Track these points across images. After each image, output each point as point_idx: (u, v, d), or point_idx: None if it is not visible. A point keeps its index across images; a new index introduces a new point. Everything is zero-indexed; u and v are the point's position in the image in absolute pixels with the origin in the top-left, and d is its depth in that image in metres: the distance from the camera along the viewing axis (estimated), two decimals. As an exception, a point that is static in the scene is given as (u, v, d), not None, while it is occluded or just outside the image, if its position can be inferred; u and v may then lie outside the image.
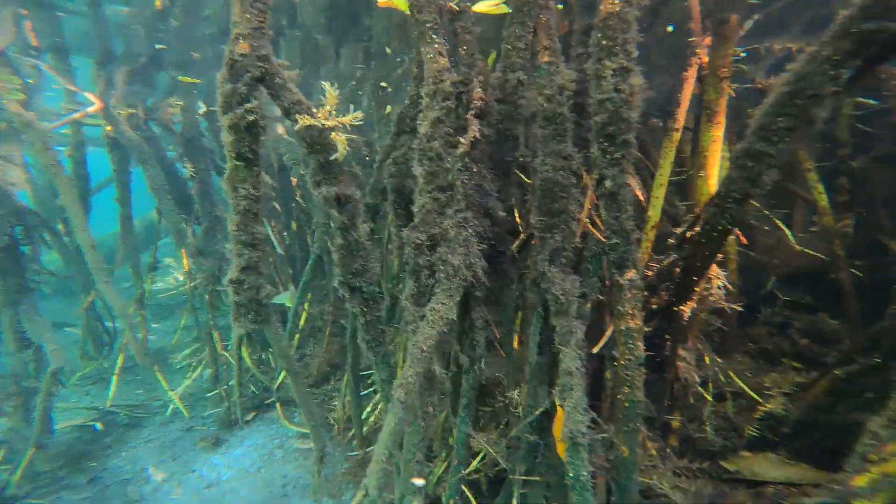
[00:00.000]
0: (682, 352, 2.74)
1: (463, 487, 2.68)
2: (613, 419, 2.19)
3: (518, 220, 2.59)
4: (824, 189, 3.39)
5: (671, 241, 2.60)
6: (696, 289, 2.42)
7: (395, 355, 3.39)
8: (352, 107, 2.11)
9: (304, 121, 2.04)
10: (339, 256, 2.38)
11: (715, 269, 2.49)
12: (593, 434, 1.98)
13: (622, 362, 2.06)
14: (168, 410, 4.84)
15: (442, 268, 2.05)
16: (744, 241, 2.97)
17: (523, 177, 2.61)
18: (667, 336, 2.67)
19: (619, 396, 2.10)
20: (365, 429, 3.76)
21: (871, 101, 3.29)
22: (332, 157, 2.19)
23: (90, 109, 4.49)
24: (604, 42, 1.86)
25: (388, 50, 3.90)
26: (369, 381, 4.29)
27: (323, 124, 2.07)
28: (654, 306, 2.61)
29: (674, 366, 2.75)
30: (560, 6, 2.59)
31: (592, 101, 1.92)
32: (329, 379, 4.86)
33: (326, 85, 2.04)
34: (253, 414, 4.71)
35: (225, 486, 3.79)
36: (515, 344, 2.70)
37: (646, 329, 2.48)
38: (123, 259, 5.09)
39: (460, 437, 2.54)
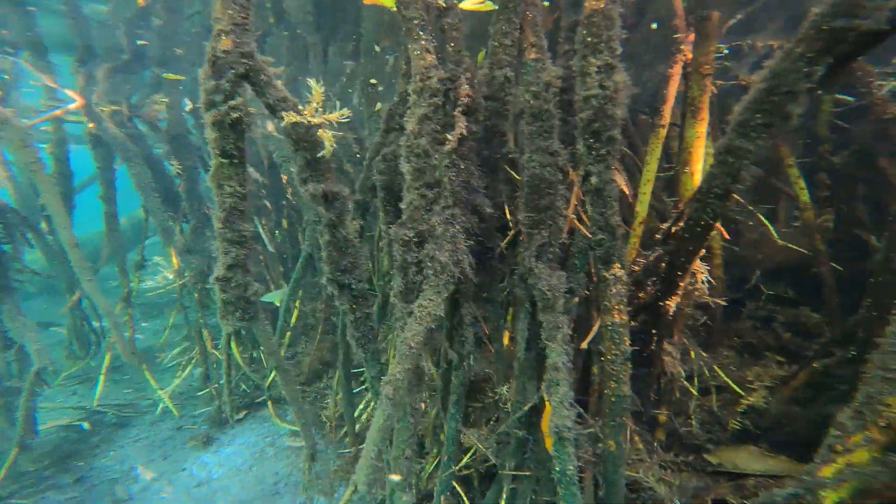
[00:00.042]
0: (667, 346, 2.78)
1: (454, 483, 2.70)
2: (601, 414, 2.22)
3: (508, 216, 2.61)
4: (806, 185, 3.45)
5: (658, 236, 2.64)
6: (680, 284, 2.45)
7: (387, 352, 3.39)
8: (338, 104, 2.10)
9: (289, 118, 2.03)
10: (327, 254, 2.37)
11: (698, 264, 2.53)
12: (580, 429, 2.00)
13: (609, 357, 2.09)
14: (158, 409, 4.80)
15: (429, 264, 2.06)
16: (726, 236, 3.02)
17: (514, 173, 2.63)
18: (653, 331, 2.70)
19: (606, 391, 2.13)
20: (357, 426, 3.77)
21: (849, 98, 3.35)
22: (318, 155, 2.18)
23: (71, 106, 4.40)
24: (588, 39, 1.87)
25: (376, 48, 3.88)
26: (361, 379, 4.29)
27: (309, 121, 2.06)
28: (641, 301, 2.64)
29: (660, 360, 2.79)
30: (546, 3, 2.60)
31: (578, 98, 1.93)
32: (321, 376, 4.85)
33: (312, 82, 2.03)
34: (244, 412, 4.68)
35: (216, 484, 3.77)
36: (506, 340, 2.72)
37: (632, 324, 2.52)
38: (109, 257, 5.02)
39: (450, 434, 2.56)
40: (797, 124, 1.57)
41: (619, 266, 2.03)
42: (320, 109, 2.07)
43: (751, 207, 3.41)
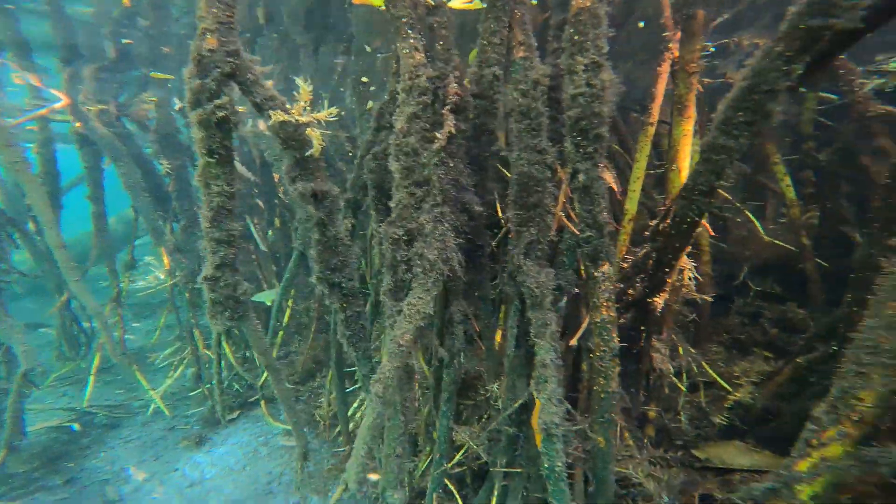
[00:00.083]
0: (656, 343, 2.81)
1: (447, 481, 2.71)
2: (590, 410, 2.24)
3: (500, 214, 2.61)
4: (792, 182, 3.49)
5: (647, 233, 2.66)
6: (668, 280, 2.48)
7: (380, 351, 3.39)
8: (326, 102, 2.10)
9: (277, 116, 2.02)
10: (317, 252, 2.36)
11: (686, 261, 2.56)
12: (569, 425, 2.02)
13: (598, 354, 2.11)
14: (149, 410, 4.77)
15: (419, 262, 2.06)
16: (712, 233, 3.05)
17: (505, 171, 2.63)
18: (642, 327, 2.73)
19: (595, 388, 2.15)
20: (351, 425, 3.77)
21: (833, 97, 3.39)
22: (307, 153, 2.17)
23: (56, 105, 4.34)
24: (575, 37, 1.88)
25: (367, 48, 3.87)
26: (355, 378, 4.29)
27: (297, 120, 2.05)
28: (630, 298, 2.67)
29: (649, 357, 2.82)
30: (535, 1, 2.60)
31: (565, 96, 1.94)
32: (315, 375, 4.84)
33: (300, 81, 2.02)
34: (237, 412, 4.67)
35: (209, 484, 3.76)
36: (498, 338, 2.73)
37: (621, 321, 2.54)
38: (98, 258, 4.97)
39: (442, 431, 2.57)
40: (782, 122, 1.59)
41: (608, 263, 2.05)
42: (308, 108, 2.06)
43: (738, 204, 3.45)
